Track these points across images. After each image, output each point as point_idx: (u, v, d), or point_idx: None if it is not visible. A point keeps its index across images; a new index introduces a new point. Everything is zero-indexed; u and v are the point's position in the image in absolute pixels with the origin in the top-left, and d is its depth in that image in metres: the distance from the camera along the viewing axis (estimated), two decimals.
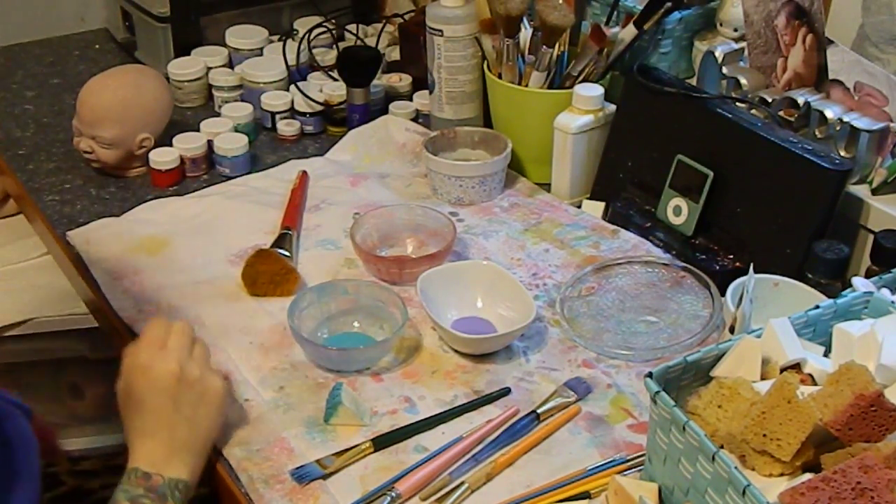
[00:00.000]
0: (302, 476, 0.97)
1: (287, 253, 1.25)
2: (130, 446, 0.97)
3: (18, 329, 1.61)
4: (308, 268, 1.27)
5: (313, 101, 1.58)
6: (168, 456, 0.95)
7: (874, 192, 1.20)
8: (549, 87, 1.41)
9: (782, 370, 0.89)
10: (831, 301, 0.95)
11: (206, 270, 1.27)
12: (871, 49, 1.25)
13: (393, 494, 0.95)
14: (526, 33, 1.42)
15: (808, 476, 0.79)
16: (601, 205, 1.39)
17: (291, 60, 1.65)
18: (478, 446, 1.02)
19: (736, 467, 0.78)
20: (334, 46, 1.75)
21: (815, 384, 0.88)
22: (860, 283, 1.01)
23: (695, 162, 1.27)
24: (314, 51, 1.71)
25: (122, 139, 1.44)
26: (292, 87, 1.62)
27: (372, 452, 1.00)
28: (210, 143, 1.49)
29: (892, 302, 0.94)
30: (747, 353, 0.88)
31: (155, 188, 1.46)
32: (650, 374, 0.87)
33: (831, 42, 1.25)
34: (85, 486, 1.33)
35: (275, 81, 1.62)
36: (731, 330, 1.01)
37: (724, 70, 1.35)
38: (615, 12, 1.45)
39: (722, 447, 0.84)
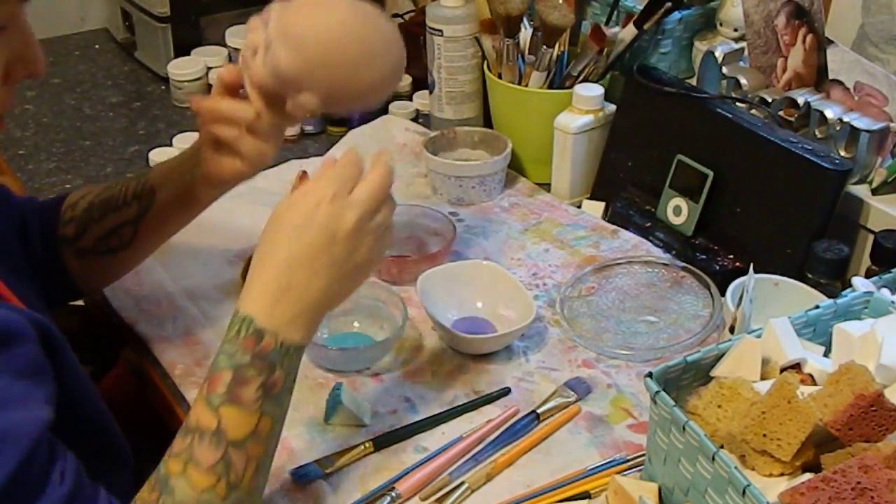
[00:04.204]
0: (302, 476, 0.97)
1: None
2: (249, 284, 0.85)
3: None
4: None
5: None
6: (292, 315, 0.83)
7: (874, 192, 1.20)
8: (549, 87, 1.41)
9: (782, 370, 0.89)
10: (831, 301, 0.95)
11: (206, 270, 1.27)
12: (871, 49, 1.25)
13: (393, 494, 0.95)
14: (526, 33, 1.42)
15: (808, 476, 0.79)
16: (601, 205, 1.39)
17: None
18: (478, 446, 1.02)
19: (736, 467, 0.78)
20: None
21: (815, 384, 0.88)
22: (860, 283, 1.01)
23: (695, 162, 1.27)
24: None
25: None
26: None
27: (372, 452, 1.00)
28: None
29: (892, 302, 0.94)
30: (747, 353, 0.88)
31: None
32: (650, 374, 0.86)
33: (831, 42, 1.25)
34: None
35: None
36: (731, 330, 1.01)
37: (724, 70, 1.35)
38: (615, 12, 1.45)
39: (722, 447, 0.84)
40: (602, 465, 0.99)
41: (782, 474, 0.82)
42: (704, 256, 1.26)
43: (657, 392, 0.85)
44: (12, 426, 0.72)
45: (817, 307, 0.95)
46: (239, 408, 0.81)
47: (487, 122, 1.52)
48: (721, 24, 1.45)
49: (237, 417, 0.80)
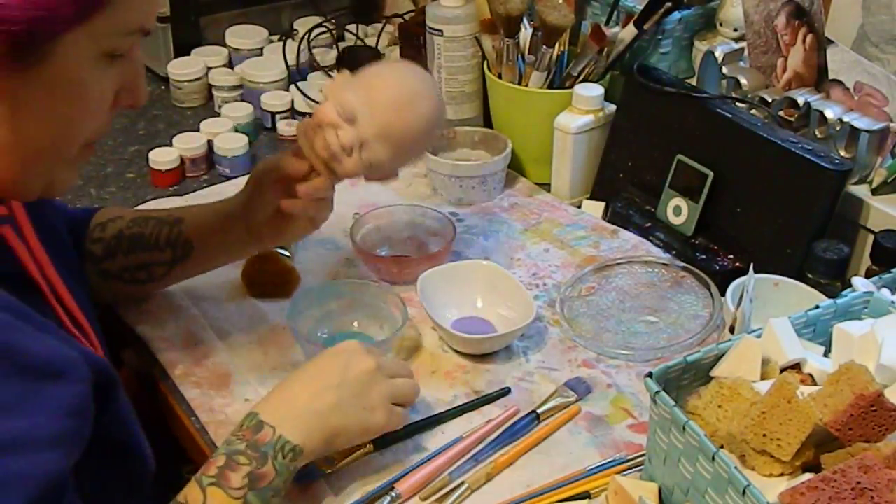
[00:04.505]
0: (302, 476, 0.97)
1: (287, 253, 1.25)
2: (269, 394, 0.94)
3: None
4: (308, 268, 1.27)
5: (313, 101, 1.58)
6: (293, 415, 0.90)
7: (874, 192, 1.20)
8: (549, 87, 1.41)
9: (782, 370, 0.89)
10: (831, 301, 0.95)
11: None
12: (871, 49, 1.25)
13: (393, 494, 0.95)
14: (526, 33, 1.42)
15: (808, 476, 0.79)
16: (601, 205, 1.39)
17: (291, 60, 1.65)
18: (478, 446, 1.02)
19: (736, 467, 0.78)
20: (334, 46, 1.75)
21: (815, 384, 0.88)
22: (860, 283, 1.01)
23: (695, 162, 1.27)
24: (314, 51, 1.71)
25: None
26: (292, 87, 1.62)
27: (372, 452, 1.00)
28: (210, 143, 1.49)
29: (892, 302, 0.94)
30: (747, 353, 0.88)
31: (155, 188, 1.46)
32: (650, 374, 0.86)
33: (831, 42, 1.25)
34: None
35: (275, 81, 1.62)
36: (731, 330, 1.01)
37: (724, 70, 1.35)
38: (615, 12, 1.45)
39: (722, 447, 0.84)
40: (602, 465, 0.99)
41: (782, 474, 0.82)
42: (704, 256, 1.26)
43: (657, 392, 0.85)
44: (27, 472, 0.70)
45: (817, 307, 0.95)
46: (224, 491, 0.86)
47: (487, 122, 1.52)
48: (721, 24, 1.45)
49: (221, 500, 0.85)
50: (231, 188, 1.43)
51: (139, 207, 1.37)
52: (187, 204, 1.40)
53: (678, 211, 1.29)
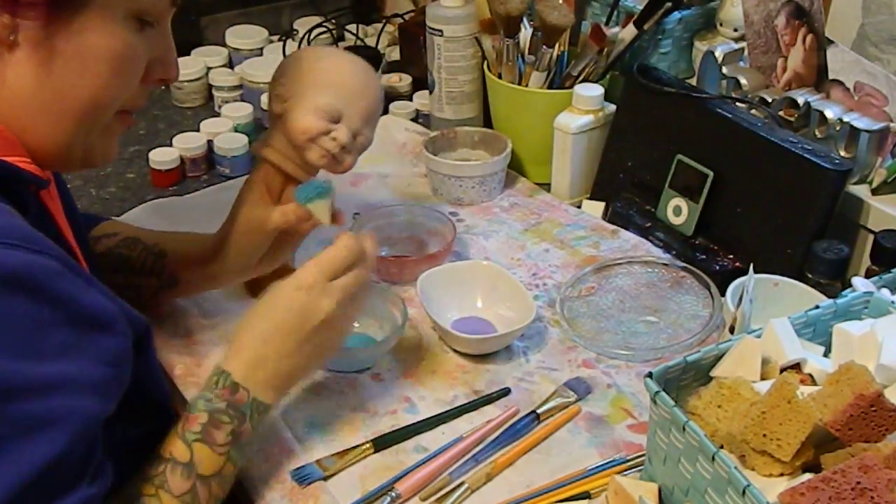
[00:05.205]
0: (302, 477, 0.97)
1: None
2: (232, 346, 0.93)
3: None
4: None
5: None
6: (266, 380, 0.93)
7: (874, 192, 1.20)
8: (549, 87, 1.41)
9: (782, 370, 0.89)
10: (831, 301, 0.95)
11: None
12: (871, 49, 1.25)
13: (393, 494, 0.95)
14: (526, 33, 1.42)
15: (808, 476, 0.79)
16: (601, 205, 1.39)
17: None
18: (478, 446, 1.02)
19: (736, 467, 0.78)
20: (334, 46, 1.75)
21: (815, 384, 0.88)
22: (860, 283, 1.01)
23: (695, 162, 1.27)
24: None
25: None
26: None
27: (372, 453, 1.00)
28: (210, 143, 1.49)
29: (892, 302, 0.94)
30: (747, 353, 0.88)
31: (155, 188, 1.46)
32: (650, 374, 0.86)
33: (831, 42, 1.26)
34: None
35: None
36: (731, 330, 1.01)
37: (724, 70, 1.35)
38: (615, 12, 1.45)
39: (722, 447, 0.84)
40: (602, 465, 0.99)
41: (782, 474, 0.82)
42: (704, 256, 1.26)
43: (657, 392, 0.85)
44: (70, 412, 0.73)
45: (817, 307, 0.95)
46: (210, 447, 0.88)
47: (487, 122, 1.52)
48: (721, 24, 1.45)
49: (208, 456, 0.88)
50: (231, 188, 1.44)
51: (134, 216, 1.37)
52: (186, 204, 1.40)
53: (678, 211, 1.29)
